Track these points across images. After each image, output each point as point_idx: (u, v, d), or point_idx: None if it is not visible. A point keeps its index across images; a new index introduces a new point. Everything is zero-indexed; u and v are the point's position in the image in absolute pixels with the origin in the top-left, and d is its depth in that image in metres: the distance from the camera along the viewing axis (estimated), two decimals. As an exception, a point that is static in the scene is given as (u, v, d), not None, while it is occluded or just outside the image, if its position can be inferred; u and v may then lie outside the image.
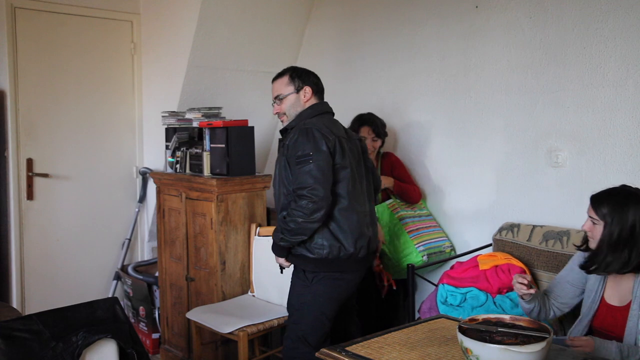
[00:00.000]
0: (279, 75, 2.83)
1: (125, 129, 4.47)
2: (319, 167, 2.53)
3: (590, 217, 2.24)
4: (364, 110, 3.64)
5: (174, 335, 3.81)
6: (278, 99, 2.79)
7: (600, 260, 2.19)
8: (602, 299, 2.28)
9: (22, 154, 3.98)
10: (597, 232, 2.21)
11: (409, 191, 3.55)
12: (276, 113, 2.83)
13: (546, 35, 3.11)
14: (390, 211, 3.48)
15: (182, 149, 3.73)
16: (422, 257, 3.36)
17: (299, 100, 2.76)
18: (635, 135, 2.82)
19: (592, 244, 2.25)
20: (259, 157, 3.96)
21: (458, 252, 3.46)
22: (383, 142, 3.62)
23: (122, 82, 4.42)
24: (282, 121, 2.82)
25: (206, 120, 3.56)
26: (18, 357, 2.00)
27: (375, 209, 3.09)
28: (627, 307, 2.19)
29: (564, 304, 2.43)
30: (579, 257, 2.39)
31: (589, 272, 2.26)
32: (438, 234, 3.53)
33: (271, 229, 3.54)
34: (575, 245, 2.40)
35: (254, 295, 3.50)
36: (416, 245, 3.37)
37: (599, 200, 2.22)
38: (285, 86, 2.78)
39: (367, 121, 3.57)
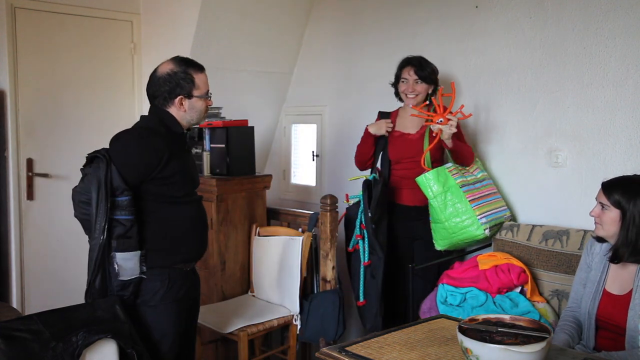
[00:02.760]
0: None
1: (125, 129, 4.45)
2: None
3: (600, 202, 2.20)
4: (364, 110, 3.63)
5: (174, 335, 3.80)
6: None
7: (631, 248, 2.13)
8: (604, 289, 2.27)
9: (22, 154, 3.98)
10: (606, 218, 2.17)
11: (465, 150, 3.14)
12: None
13: (546, 35, 3.11)
14: (449, 175, 3.08)
15: (181, 149, 3.69)
16: (484, 230, 2.99)
17: None
18: (635, 135, 2.82)
19: (600, 231, 2.22)
20: (259, 157, 3.95)
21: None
22: (434, 90, 3.21)
23: (122, 82, 4.41)
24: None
25: (206, 120, 3.56)
26: (18, 357, 2.00)
27: (430, 174, 2.99)
28: (627, 296, 2.18)
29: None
30: (584, 258, 2.39)
31: (615, 262, 2.19)
32: (498, 203, 3.17)
33: (271, 229, 3.56)
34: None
35: (254, 295, 3.50)
36: (479, 217, 3.01)
37: (611, 186, 2.17)
38: None
39: (410, 61, 3.21)
